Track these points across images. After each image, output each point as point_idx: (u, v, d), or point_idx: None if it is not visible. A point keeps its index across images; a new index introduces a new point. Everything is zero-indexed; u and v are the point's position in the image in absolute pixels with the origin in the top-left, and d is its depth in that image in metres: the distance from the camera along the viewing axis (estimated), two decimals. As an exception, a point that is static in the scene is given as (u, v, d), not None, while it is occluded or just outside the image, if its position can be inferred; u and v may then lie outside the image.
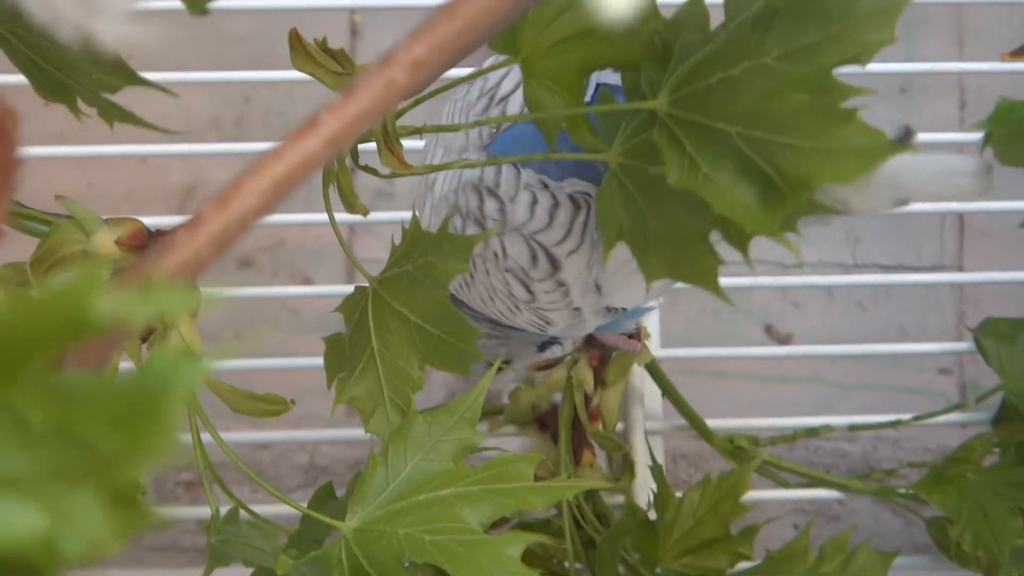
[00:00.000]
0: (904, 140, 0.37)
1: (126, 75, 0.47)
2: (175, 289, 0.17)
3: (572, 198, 0.48)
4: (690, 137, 0.37)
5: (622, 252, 0.41)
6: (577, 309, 0.50)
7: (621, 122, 0.41)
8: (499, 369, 0.55)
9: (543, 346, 0.55)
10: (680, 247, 0.39)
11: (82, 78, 0.46)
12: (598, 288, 0.49)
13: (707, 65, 0.37)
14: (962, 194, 0.42)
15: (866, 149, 0.35)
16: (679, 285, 0.66)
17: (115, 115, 0.48)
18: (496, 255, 0.49)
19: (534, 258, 0.48)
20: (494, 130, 0.49)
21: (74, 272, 0.43)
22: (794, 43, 0.35)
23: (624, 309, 0.51)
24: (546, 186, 0.48)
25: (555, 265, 0.48)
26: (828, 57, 0.35)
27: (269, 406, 0.49)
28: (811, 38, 0.35)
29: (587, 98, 0.43)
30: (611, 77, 0.48)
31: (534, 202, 0.48)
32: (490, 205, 0.48)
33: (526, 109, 0.44)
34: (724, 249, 0.39)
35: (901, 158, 0.36)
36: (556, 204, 0.48)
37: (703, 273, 0.39)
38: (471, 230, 0.49)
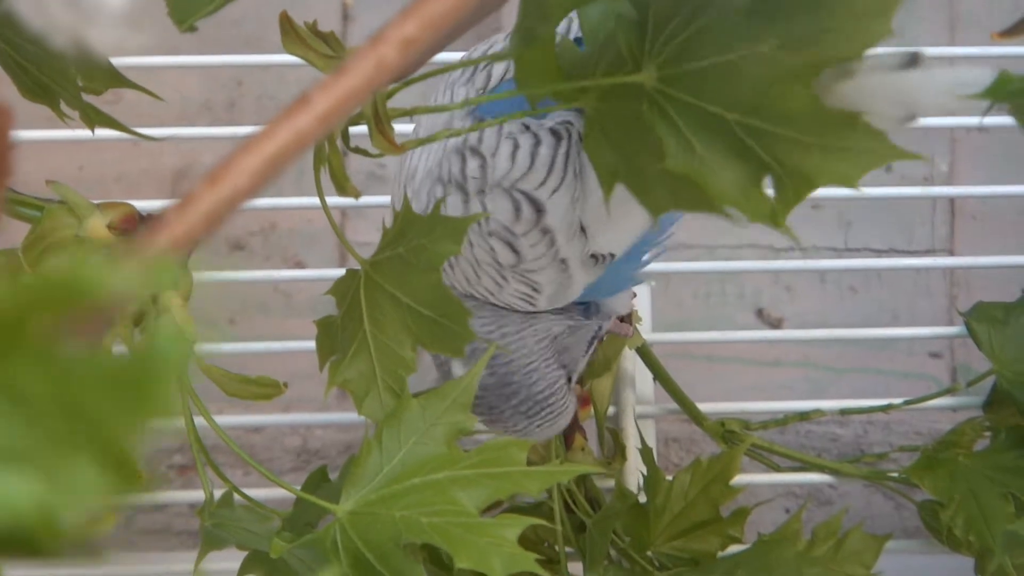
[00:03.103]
0: (912, 65, 0.36)
1: (111, 77, 0.47)
2: (166, 262, 0.17)
3: (553, 131, 0.49)
4: (684, 117, 0.37)
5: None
6: (563, 261, 0.50)
7: (592, 68, 0.41)
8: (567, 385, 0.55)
9: (591, 343, 0.56)
10: (676, 176, 0.39)
11: (65, 82, 0.46)
12: (583, 231, 0.49)
13: (697, 45, 0.36)
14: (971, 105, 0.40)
15: (871, 150, 0.34)
16: (671, 268, 0.66)
17: (97, 120, 0.48)
18: (478, 222, 0.49)
19: (517, 209, 0.49)
20: (481, 89, 0.50)
21: (67, 255, 0.43)
22: (791, 34, 0.35)
23: (612, 256, 0.51)
24: (527, 127, 0.49)
25: (539, 209, 0.49)
26: (826, 49, 0.35)
27: (262, 389, 0.49)
28: (808, 30, 0.34)
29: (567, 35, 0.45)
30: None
31: (515, 148, 0.49)
32: (471, 164, 0.49)
33: (508, 70, 0.45)
34: None
35: (908, 75, 0.36)
36: (537, 142, 0.48)
37: (704, 197, 0.38)
38: (453, 196, 0.49)
